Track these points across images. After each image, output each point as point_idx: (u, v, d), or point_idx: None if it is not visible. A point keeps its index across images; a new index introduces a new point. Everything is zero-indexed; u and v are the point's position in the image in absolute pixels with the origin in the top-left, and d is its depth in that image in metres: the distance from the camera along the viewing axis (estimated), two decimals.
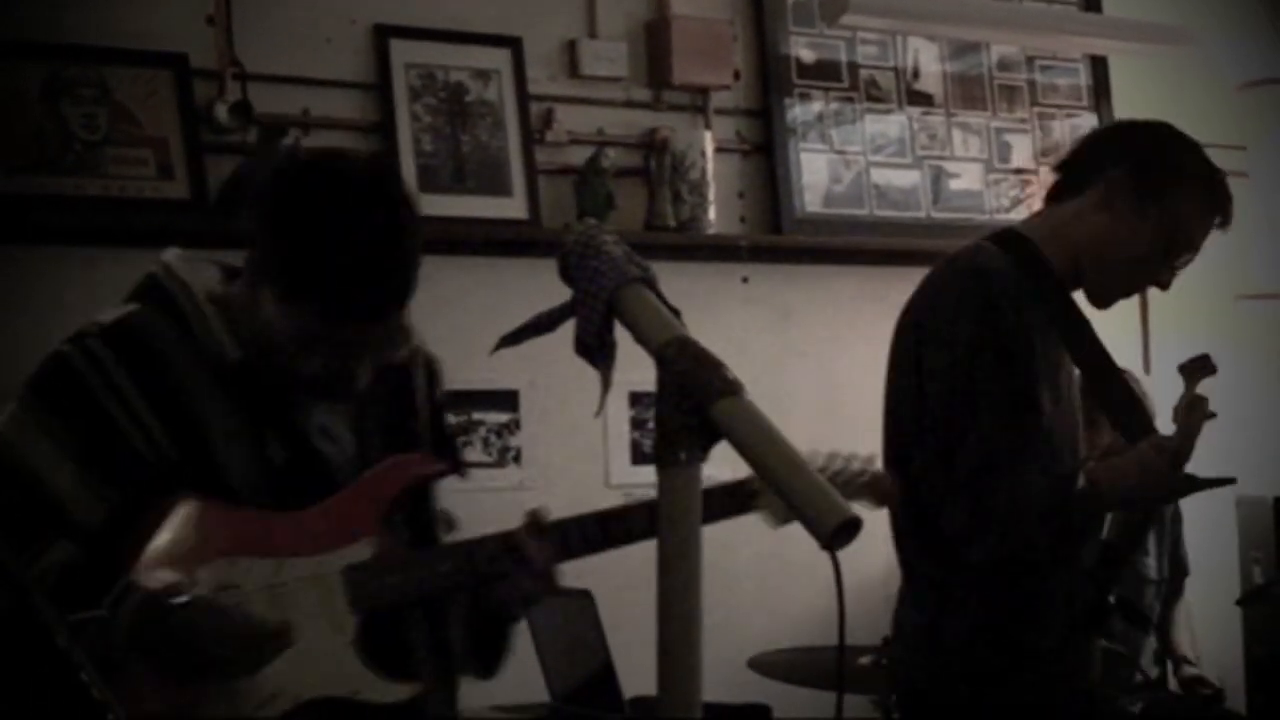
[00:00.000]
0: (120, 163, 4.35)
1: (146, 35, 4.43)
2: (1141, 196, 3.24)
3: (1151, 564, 4.87)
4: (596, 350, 1.88)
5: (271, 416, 2.51)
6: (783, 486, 1.71)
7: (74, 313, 4.14)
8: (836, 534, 1.65)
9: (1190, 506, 4.87)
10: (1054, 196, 3.40)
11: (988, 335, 3.14)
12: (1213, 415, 3.07)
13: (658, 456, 1.82)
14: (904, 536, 3.31)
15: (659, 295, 1.89)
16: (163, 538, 2.38)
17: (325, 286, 2.39)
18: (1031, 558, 3.20)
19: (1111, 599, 3.33)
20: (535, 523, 2.54)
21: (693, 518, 1.80)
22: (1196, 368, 3.16)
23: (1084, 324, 3.34)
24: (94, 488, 2.40)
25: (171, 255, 2.58)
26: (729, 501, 2.59)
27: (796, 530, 2.11)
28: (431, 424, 2.74)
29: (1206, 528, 5.34)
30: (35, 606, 1.55)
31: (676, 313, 1.87)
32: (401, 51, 4.73)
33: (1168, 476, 3.12)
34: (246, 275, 2.50)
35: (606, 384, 1.91)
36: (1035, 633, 3.24)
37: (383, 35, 4.72)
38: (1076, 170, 3.37)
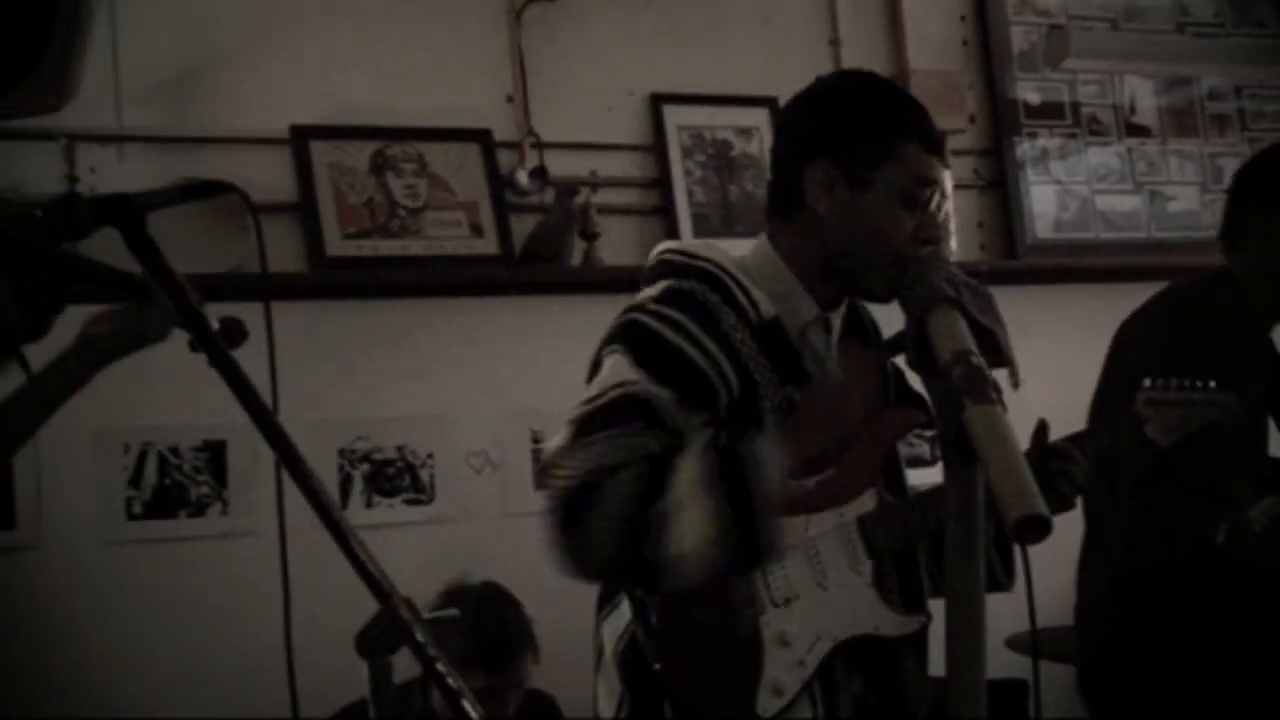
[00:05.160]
0: (438, 225, 4.56)
1: (456, 113, 4.68)
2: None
3: None
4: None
5: (793, 369, 2.53)
6: (993, 478, 1.78)
7: (416, 354, 4.52)
8: (1023, 526, 1.71)
9: None
10: None
11: (1165, 357, 3.23)
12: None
13: (944, 457, 2.05)
14: None
15: (966, 312, 2.12)
16: None
17: (910, 111, 2.55)
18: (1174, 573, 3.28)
19: None
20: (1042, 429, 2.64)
21: (976, 513, 1.96)
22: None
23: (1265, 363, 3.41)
24: (691, 421, 2.39)
25: (676, 243, 2.65)
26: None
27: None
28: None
29: None
30: (395, 609, 1.66)
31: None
32: (674, 115, 4.93)
33: None
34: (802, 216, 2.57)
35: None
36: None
37: (657, 102, 4.94)
38: None
